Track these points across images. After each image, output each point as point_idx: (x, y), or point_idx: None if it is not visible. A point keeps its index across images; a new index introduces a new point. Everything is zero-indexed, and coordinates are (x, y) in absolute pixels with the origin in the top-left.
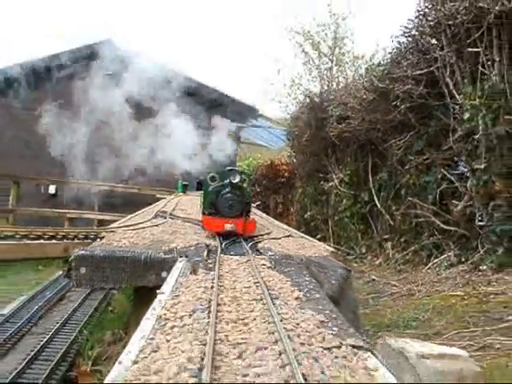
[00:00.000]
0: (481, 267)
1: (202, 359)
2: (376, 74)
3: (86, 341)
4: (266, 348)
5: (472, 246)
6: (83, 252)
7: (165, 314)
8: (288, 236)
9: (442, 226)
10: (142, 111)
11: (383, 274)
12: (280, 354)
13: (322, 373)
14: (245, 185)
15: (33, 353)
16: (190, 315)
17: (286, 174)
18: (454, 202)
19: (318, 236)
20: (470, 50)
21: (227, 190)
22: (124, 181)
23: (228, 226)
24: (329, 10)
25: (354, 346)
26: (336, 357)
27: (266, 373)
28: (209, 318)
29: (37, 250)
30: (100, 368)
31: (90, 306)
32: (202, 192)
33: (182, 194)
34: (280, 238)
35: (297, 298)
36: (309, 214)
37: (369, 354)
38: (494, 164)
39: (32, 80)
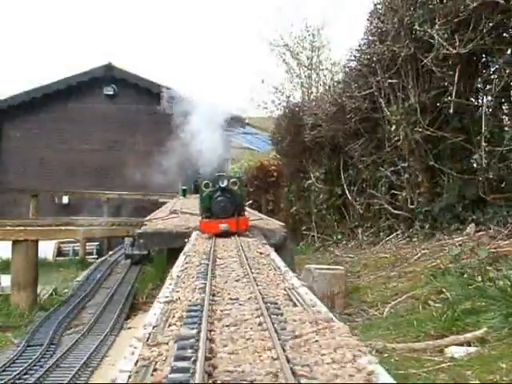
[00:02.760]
0: (413, 239)
1: (206, 274)
2: (336, 91)
3: (137, 289)
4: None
5: (413, 225)
6: (140, 231)
7: (189, 255)
8: (259, 219)
9: (392, 211)
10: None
11: (349, 251)
12: (242, 267)
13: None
14: (235, 187)
15: (108, 296)
16: (200, 261)
17: (275, 174)
18: (396, 192)
19: (304, 227)
20: (390, 80)
21: (218, 194)
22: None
23: (222, 226)
24: (305, 24)
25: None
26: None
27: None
28: (208, 260)
29: (115, 232)
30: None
31: (131, 275)
32: (198, 198)
33: (182, 197)
34: (253, 220)
35: (257, 246)
36: (294, 208)
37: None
38: (415, 162)
39: (46, 102)
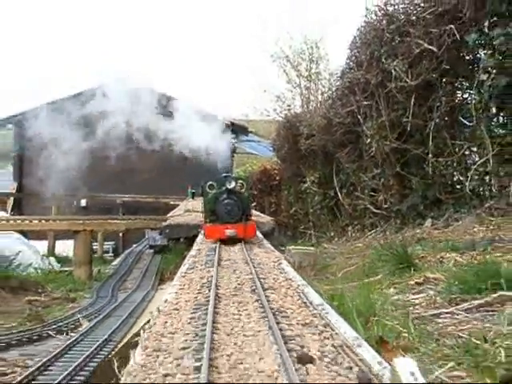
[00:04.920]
0: (387, 233)
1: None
2: (326, 106)
3: (162, 269)
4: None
5: (388, 221)
6: (165, 223)
7: (201, 243)
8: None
9: (374, 210)
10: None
11: (336, 245)
12: (241, 247)
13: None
14: (242, 190)
15: (143, 273)
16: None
17: (277, 178)
18: (375, 194)
19: (302, 226)
20: (365, 102)
21: (224, 196)
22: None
23: (228, 232)
24: (303, 37)
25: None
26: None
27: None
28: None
29: (148, 224)
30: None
31: (156, 260)
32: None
33: (191, 199)
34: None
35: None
36: (293, 209)
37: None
38: (387, 169)
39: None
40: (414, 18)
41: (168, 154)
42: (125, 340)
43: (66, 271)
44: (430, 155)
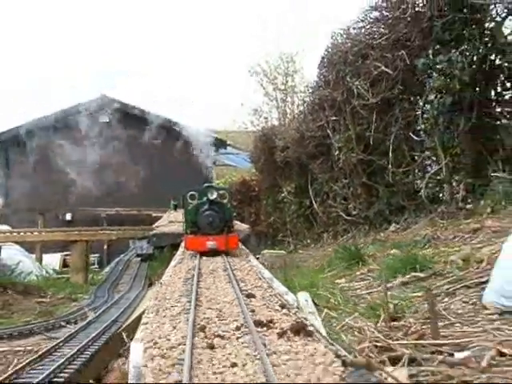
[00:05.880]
0: (356, 237)
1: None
2: (299, 121)
3: (150, 274)
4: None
5: (358, 227)
6: (152, 232)
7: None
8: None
9: (346, 217)
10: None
11: (311, 251)
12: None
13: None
14: (225, 201)
15: (133, 278)
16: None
17: (256, 189)
18: (346, 202)
19: (281, 234)
20: (333, 118)
21: (206, 207)
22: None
23: (210, 244)
24: (279, 52)
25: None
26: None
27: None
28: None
29: (136, 233)
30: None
31: (143, 267)
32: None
33: (173, 211)
34: None
35: None
36: (272, 219)
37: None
38: (355, 179)
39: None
40: (372, 42)
41: (151, 167)
42: (128, 322)
43: (64, 277)
44: (390, 166)
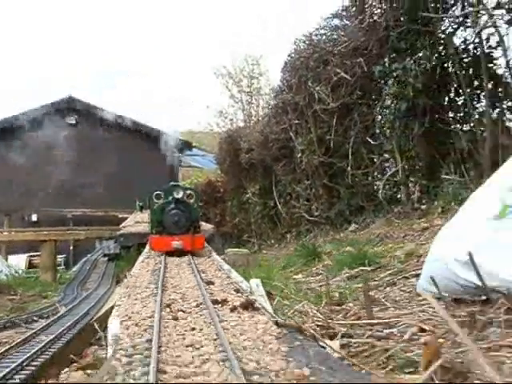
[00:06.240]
0: (318, 237)
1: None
2: (263, 124)
3: (118, 271)
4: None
5: (320, 227)
6: (121, 232)
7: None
8: None
9: (308, 217)
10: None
11: (275, 251)
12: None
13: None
14: (191, 200)
15: (101, 276)
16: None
17: (221, 190)
18: (308, 203)
19: (246, 235)
20: (296, 121)
21: (172, 206)
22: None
23: (175, 244)
24: (244, 54)
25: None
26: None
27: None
28: None
29: (104, 233)
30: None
31: (111, 266)
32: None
33: (139, 212)
34: None
35: None
36: (237, 220)
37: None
38: (316, 180)
39: (14, 129)
40: (333, 49)
41: (118, 168)
42: (98, 314)
43: (33, 276)
44: (350, 168)
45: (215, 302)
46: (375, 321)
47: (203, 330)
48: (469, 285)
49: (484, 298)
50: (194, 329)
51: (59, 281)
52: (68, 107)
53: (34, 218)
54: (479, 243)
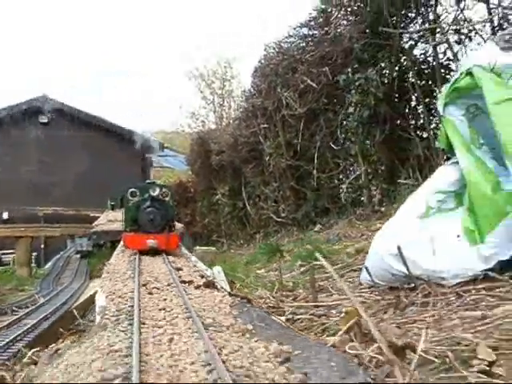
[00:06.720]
0: (285, 237)
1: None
2: (233, 127)
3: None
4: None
5: (288, 228)
6: (94, 230)
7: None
8: None
9: (276, 219)
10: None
11: (243, 250)
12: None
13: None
14: (167, 198)
15: (74, 272)
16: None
17: (192, 190)
18: (276, 204)
19: (215, 235)
20: (264, 125)
21: (147, 203)
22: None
23: (150, 242)
24: (217, 57)
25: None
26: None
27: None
28: None
29: (78, 231)
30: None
31: (84, 263)
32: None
33: (111, 211)
34: None
35: None
36: (207, 220)
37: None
38: (284, 183)
39: None
40: (301, 57)
41: (90, 167)
42: (76, 304)
43: (9, 271)
44: (316, 171)
45: (183, 282)
46: (319, 304)
47: (173, 300)
48: (399, 274)
49: (412, 285)
50: (165, 299)
51: (35, 275)
52: (41, 106)
53: (5, 215)
54: (408, 239)
